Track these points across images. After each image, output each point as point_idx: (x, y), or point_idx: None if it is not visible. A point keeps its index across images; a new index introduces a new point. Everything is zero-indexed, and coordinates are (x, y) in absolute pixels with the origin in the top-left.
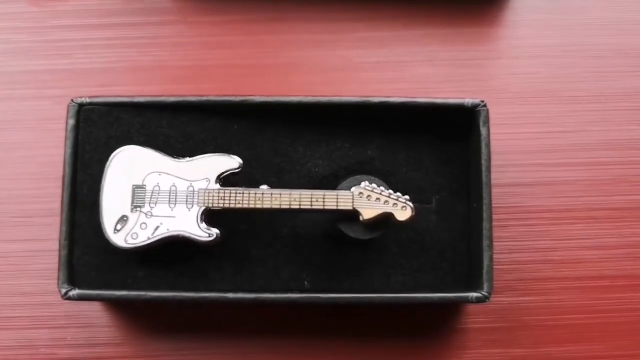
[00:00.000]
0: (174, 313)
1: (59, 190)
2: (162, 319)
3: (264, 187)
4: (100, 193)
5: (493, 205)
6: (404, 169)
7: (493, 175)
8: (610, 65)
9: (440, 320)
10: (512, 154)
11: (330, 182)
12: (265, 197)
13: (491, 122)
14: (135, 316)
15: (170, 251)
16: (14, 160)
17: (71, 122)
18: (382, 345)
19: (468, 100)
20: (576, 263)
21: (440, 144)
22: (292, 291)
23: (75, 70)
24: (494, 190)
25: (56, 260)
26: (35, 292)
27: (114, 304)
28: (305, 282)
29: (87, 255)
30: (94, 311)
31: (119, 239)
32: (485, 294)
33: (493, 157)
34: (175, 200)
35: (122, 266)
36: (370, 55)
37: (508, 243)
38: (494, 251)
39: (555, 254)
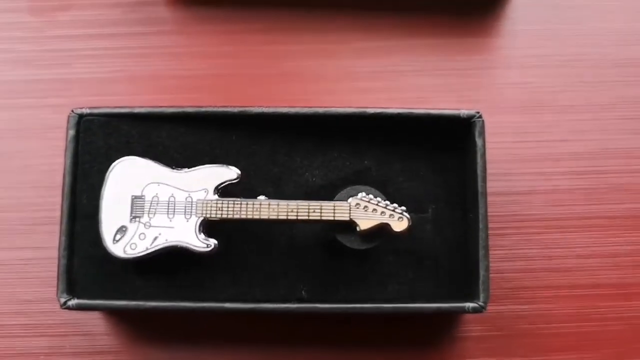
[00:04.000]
0: (173, 322)
1: (59, 199)
2: (160, 328)
3: (262, 197)
4: (100, 203)
5: (489, 214)
6: (400, 179)
7: (489, 184)
8: (605, 75)
9: (438, 330)
10: (507, 162)
11: (328, 191)
12: (263, 208)
13: (487, 131)
14: (133, 325)
15: (169, 261)
16: (15, 168)
17: (71, 132)
18: (379, 355)
19: (464, 112)
20: (571, 271)
21: (436, 154)
22: (289, 301)
23: (74, 79)
24: (490, 199)
25: (56, 268)
26: (35, 300)
27: (112, 313)
28: (303, 292)
29: (86, 265)
30: (93, 319)
31: (118, 249)
32: (482, 304)
33: (489, 165)
34: (174, 211)
35: (120, 276)
36: (366, 65)
37: (504, 251)
38: (490, 260)
39: (550, 263)
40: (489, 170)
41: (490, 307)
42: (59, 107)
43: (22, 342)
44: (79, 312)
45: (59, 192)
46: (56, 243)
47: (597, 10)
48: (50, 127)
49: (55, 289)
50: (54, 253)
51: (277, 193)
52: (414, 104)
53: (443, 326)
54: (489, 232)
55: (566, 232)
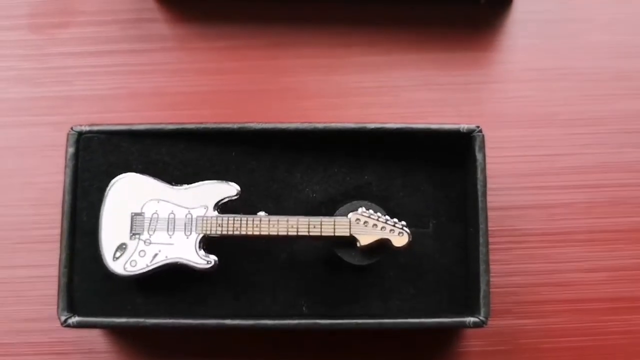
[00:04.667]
0: (174, 339)
1: (60, 217)
2: (161, 345)
3: (262, 213)
4: (100, 221)
5: (489, 229)
6: (400, 194)
7: (489, 199)
8: (604, 89)
9: (439, 345)
10: (508, 177)
11: (328, 207)
12: (263, 224)
13: (487, 145)
14: (135, 342)
15: (169, 277)
16: (15, 186)
17: (71, 150)
18: None
19: (464, 126)
20: (573, 285)
21: (436, 168)
22: (290, 317)
23: (75, 97)
24: (490, 214)
25: (57, 286)
26: (37, 319)
27: (113, 330)
28: (304, 308)
29: (87, 282)
30: (94, 337)
31: (118, 266)
32: (483, 319)
33: (489, 180)
34: (174, 228)
35: (121, 293)
36: (366, 80)
37: (505, 266)
38: (491, 274)
39: (552, 277)
40: (489, 185)
41: (491, 322)
42: (60, 124)
43: None
44: (80, 330)
45: (60, 209)
46: (57, 261)
47: (596, 24)
48: (51, 145)
49: (55, 306)
50: (55, 271)
51: (277, 209)
52: (414, 118)
53: (444, 341)
54: (490, 246)
55: (567, 246)
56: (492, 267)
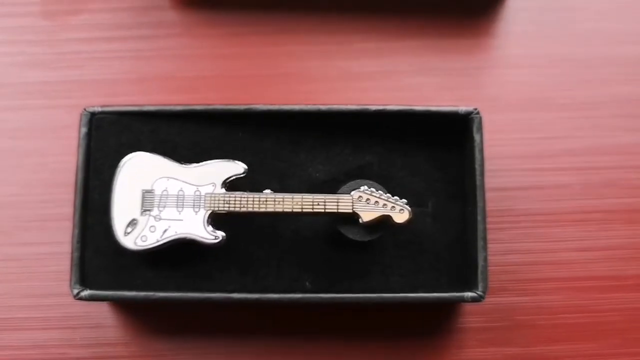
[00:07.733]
0: (180, 314)
1: (70, 196)
2: (168, 320)
3: (268, 191)
4: (111, 197)
5: (488, 209)
6: (401, 174)
7: (487, 180)
8: (598, 74)
9: (438, 321)
10: (505, 159)
11: (331, 186)
12: (269, 201)
13: (485, 128)
14: (142, 317)
15: (177, 254)
16: (27, 167)
17: (84, 130)
18: (381, 345)
19: (462, 109)
20: (568, 264)
21: (436, 150)
22: (294, 292)
23: (85, 81)
24: (488, 195)
25: (66, 263)
26: (46, 294)
27: (122, 305)
28: (307, 283)
29: (98, 257)
30: (103, 312)
31: (129, 241)
32: (480, 293)
33: (487, 162)
34: (183, 204)
35: (131, 268)
36: (367, 65)
37: (502, 245)
38: (489, 253)
39: (547, 256)
40: (487, 167)
41: (489, 299)
42: (71, 107)
43: (34, 334)
44: (88, 305)
45: (70, 189)
46: (67, 239)
47: (589, 12)
48: (62, 127)
49: (65, 282)
50: (65, 248)
51: (282, 188)
52: (414, 102)
53: (443, 318)
54: (489, 226)
55: (563, 226)
56: (490, 246)
